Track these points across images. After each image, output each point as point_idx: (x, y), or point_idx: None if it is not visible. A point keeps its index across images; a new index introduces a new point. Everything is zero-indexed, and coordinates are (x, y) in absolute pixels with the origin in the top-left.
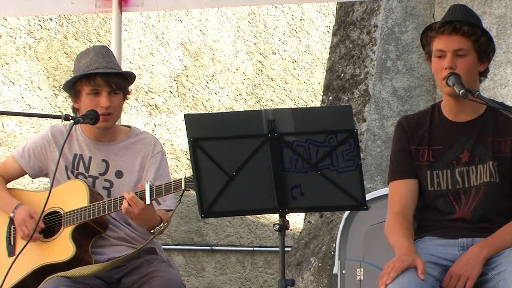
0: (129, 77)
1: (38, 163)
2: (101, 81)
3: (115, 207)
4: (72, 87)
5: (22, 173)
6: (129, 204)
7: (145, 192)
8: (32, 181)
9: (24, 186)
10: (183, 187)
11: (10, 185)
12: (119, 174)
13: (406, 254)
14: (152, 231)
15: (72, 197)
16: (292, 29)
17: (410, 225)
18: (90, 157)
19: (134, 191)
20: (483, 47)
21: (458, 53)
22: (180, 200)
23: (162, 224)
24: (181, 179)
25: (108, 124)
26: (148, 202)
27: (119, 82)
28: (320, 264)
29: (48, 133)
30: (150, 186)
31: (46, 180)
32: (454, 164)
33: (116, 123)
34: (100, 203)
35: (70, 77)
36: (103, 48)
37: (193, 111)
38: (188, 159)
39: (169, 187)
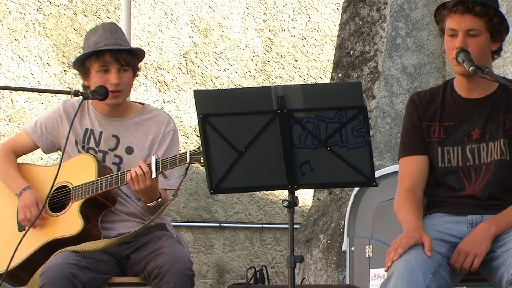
0: (138, 54)
1: (50, 138)
2: (110, 58)
3: (122, 181)
4: (82, 65)
5: (34, 148)
6: (138, 176)
7: (151, 165)
8: (41, 157)
9: (33, 161)
10: (188, 160)
11: (19, 160)
12: (129, 150)
13: (413, 231)
14: (149, 204)
15: (81, 171)
16: (302, 6)
17: (420, 201)
18: (101, 132)
19: None
20: (496, 27)
21: (470, 33)
22: (185, 173)
23: (159, 200)
24: (186, 152)
25: (117, 101)
26: (154, 175)
27: (128, 58)
28: (329, 241)
29: (61, 107)
30: (156, 159)
31: (55, 156)
32: (465, 141)
33: (127, 99)
34: (107, 176)
35: (79, 54)
36: (112, 25)
37: (202, 88)
38: (197, 135)
39: (174, 160)
